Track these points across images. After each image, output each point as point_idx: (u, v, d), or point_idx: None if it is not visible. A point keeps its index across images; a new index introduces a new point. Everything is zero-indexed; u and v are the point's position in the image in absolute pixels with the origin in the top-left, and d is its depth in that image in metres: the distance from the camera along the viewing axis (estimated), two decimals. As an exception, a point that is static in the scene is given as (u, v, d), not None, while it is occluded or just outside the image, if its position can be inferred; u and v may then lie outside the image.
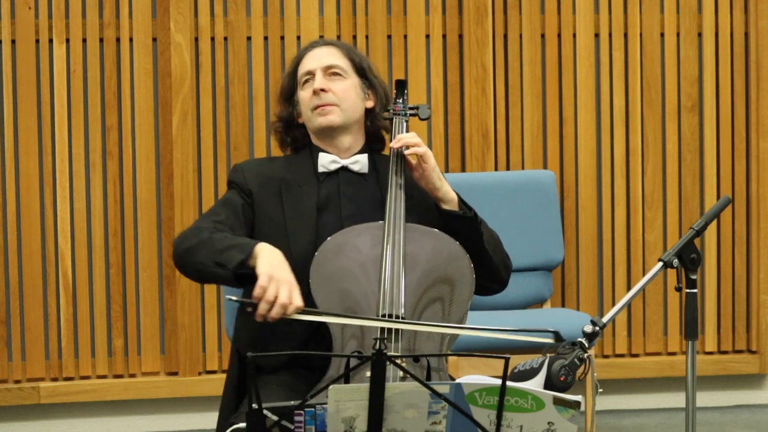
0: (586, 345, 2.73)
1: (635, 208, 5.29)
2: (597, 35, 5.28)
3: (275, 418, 2.47)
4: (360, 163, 3.19)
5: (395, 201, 3.10)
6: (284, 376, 3.07)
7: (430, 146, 5.00)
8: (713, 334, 5.36)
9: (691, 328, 2.93)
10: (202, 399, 5.12)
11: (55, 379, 5.07)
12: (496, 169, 5.21)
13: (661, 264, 2.92)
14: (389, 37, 5.19)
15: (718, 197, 5.28)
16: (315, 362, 2.97)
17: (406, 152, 3.14)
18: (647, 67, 5.29)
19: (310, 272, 2.98)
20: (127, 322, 5.09)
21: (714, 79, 5.33)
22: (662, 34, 5.31)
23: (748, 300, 5.36)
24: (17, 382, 5.06)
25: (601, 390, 2.99)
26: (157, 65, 5.08)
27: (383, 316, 2.92)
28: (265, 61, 5.13)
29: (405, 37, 5.19)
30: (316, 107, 3.17)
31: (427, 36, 5.20)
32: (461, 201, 3.17)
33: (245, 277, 2.91)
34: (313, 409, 2.50)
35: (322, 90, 3.16)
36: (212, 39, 5.11)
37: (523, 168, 5.23)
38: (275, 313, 2.83)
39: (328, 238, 3.04)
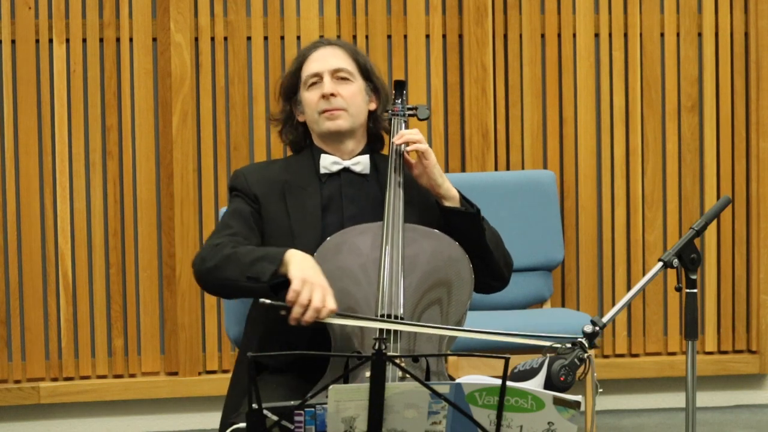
0: (586, 345, 2.73)
1: (635, 208, 5.29)
2: (597, 35, 5.28)
3: (275, 418, 2.47)
4: (362, 164, 3.19)
5: (394, 200, 3.10)
6: (284, 376, 3.07)
7: (430, 146, 4.99)
8: (713, 334, 5.36)
9: (691, 328, 2.93)
10: (202, 399, 5.12)
11: (55, 379, 5.07)
12: (496, 169, 5.21)
13: (661, 264, 2.92)
14: (389, 37, 5.19)
15: (718, 197, 5.28)
16: (318, 362, 2.97)
17: (408, 149, 3.15)
18: (647, 67, 5.29)
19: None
20: (127, 322, 5.09)
21: (714, 79, 5.33)
22: (662, 34, 5.31)
23: (748, 300, 5.36)
24: (17, 382, 5.06)
25: (601, 390, 2.99)
26: (157, 65, 5.08)
27: (382, 316, 2.92)
28: (265, 61, 5.13)
29: (405, 37, 5.20)
30: (325, 111, 3.16)
31: (427, 36, 5.20)
32: (463, 198, 3.17)
33: (280, 286, 2.90)
34: (313, 409, 2.50)
35: (332, 94, 3.15)
36: (212, 39, 5.11)
37: (523, 168, 5.23)
38: (309, 316, 2.83)
39: (327, 238, 3.05)
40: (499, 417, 2.47)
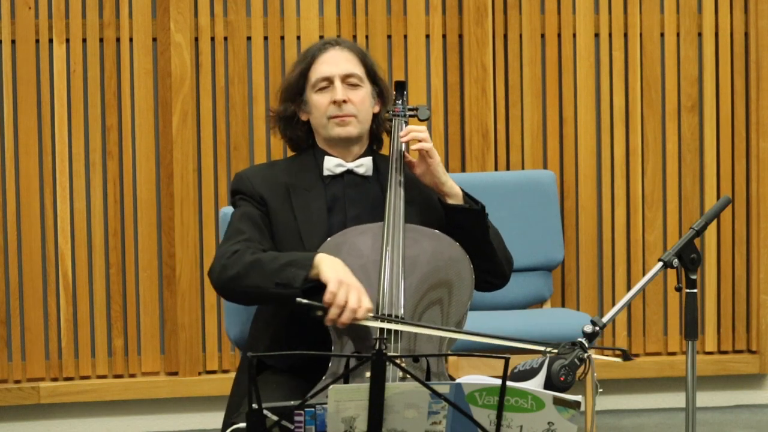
0: (586, 345, 2.73)
1: (635, 208, 5.29)
2: (597, 35, 5.28)
3: (275, 418, 2.47)
4: (365, 166, 3.19)
5: (395, 200, 3.10)
6: (284, 376, 3.07)
7: (430, 146, 4.99)
8: (713, 334, 5.36)
9: (691, 328, 2.93)
10: (202, 399, 5.12)
11: (55, 379, 5.07)
12: (496, 169, 5.21)
13: (661, 264, 2.92)
14: (389, 37, 5.19)
15: (718, 197, 5.28)
16: (319, 363, 2.96)
17: (414, 147, 3.14)
18: (647, 67, 5.29)
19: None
20: (127, 322, 5.09)
21: (714, 79, 5.32)
22: (662, 34, 5.31)
23: (748, 300, 5.36)
24: (17, 382, 5.05)
25: (601, 390, 2.99)
26: (157, 65, 5.08)
27: (382, 316, 2.92)
28: (265, 61, 5.13)
29: (405, 37, 5.19)
30: (335, 117, 3.15)
31: (427, 36, 5.20)
32: (466, 195, 3.17)
33: (310, 291, 2.90)
34: (313, 409, 2.50)
35: (344, 101, 3.14)
36: (212, 39, 5.11)
37: (523, 168, 5.23)
38: (346, 317, 2.84)
39: (328, 239, 3.05)
40: (499, 417, 2.47)
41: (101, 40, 5.06)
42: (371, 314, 2.88)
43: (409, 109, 3.29)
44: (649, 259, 5.28)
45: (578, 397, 2.50)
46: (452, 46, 5.22)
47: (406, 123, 3.26)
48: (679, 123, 5.31)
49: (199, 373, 5.13)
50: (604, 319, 2.79)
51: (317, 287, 2.90)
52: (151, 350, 5.10)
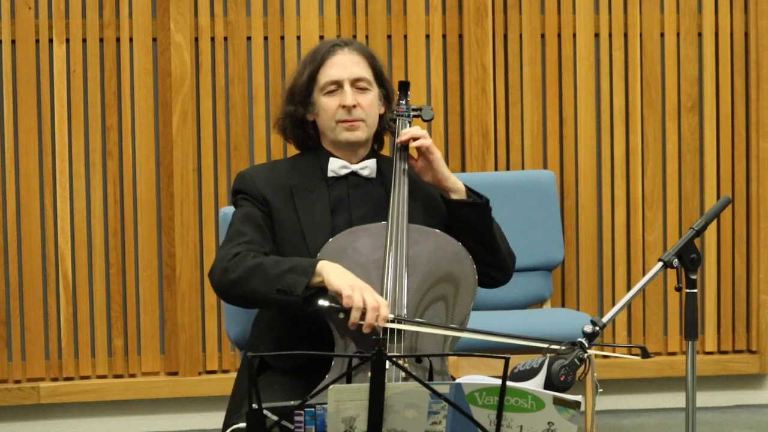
0: (586, 345, 2.73)
1: (635, 208, 5.29)
2: (597, 35, 5.28)
3: (275, 418, 2.47)
4: (369, 168, 3.19)
5: (398, 201, 3.10)
6: (285, 376, 3.07)
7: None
8: (713, 334, 5.36)
9: (691, 328, 2.93)
10: (202, 399, 5.12)
11: (55, 379, 5.07)
12: (496, 169, 5.22)
13: (661, 264, 2.92)
14: (389, 37, 5.19)
15: (718, 197, 5.28)
16: (320, 363, 2.97)
17: (413, 144, 3.15)
18: (647, 67, 5.29)
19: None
20: (127, 322, 5.09)
21: (714, 79, 5.32)
22: (662, 34, 5.31)
23: (748, 300, 5.36)
24: (17, 382, 5.05)
25: (601, 390, 2.99)
26: (157, 65, 5.08)
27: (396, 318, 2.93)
28: (265, 61, 5.13)
29: (405, 37, 5.19)
30: (344, 121, 3.15)
31: (427, 36, 5.20)
32: (469, 189, 3.18)
33: (311, 298, 2.90)
34: (313, 409, 2.50)
35: (353, 106, 3.14)
36: (212, 39, 5.11)
37: (523, 168, 5.23)
38: (371, 317, 2.84)
39: (330, 240, 3.05)
40: (499, 417, 2.47)
41: (101, 40, 5.06)
42: (392, 314, 2.89)
43: (413, 110, 3.29)
44: (649, 259, 5.28)
45: (578, 397, 2.50)
46: (452, 46, 5.22)
47: (410, 123, 3.26)
48: (679, 123, 5.31)
49: (199, 373, 5.13)
50: (604, 319, 2.79)
51: (318, 294, 2.90)
52: (151, 350, 5.10)
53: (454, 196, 3.16)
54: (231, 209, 3.27)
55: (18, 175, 5.03)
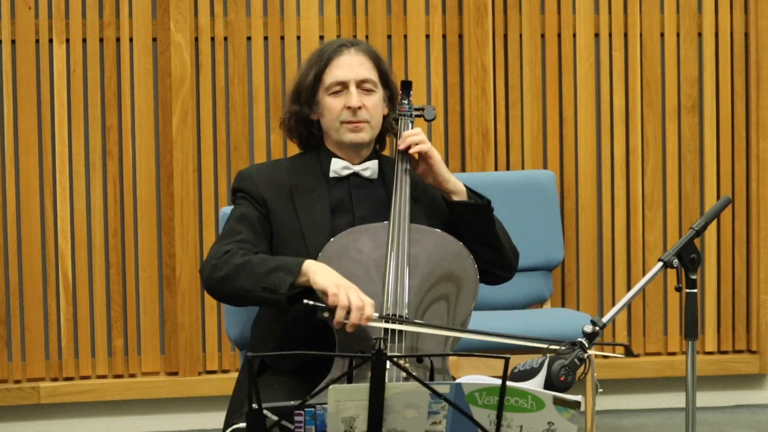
0: (586, 345, 2.73)
1: (635, 208, 5.29)
2: (597, 35, 5.28)
3: (275, 418, 2.47)
4: (371, 169, 3.19)
5: (400, 201, 3.10)
6: (285, 376, 3.07)
7: (430, 146, 4.99)
8: (713, 334, 5.36)
9: (691, 328, 2.93)
10: (202, 399, 5.12)
11: (55, 379, 5.07)
12: (496, 169, 5.22)
13: (661, 264, 2.92)
14: (389, 37, 5.19)
15: (718, 197, 5.28)
16: (321, 363, 2.97)
17: (412, 150, 3.15)
18: (647, 67, 5.29)
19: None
20: (127, 322, 5.09)
21: (714, 79, 5.32)
22: (662, 34, 5.31)
23: (748, 300, 5.36)
24: (17, 382, 5.05)
25: (601, 390, 2.99)
26: (157, 65, 5.08)
27: (387, 316, 2.93)
28: (265, 61, 5.13)
29: (405, 37, 5.19)
30: (349, 122, 3.14)
31: (427, 36, 5.20)
32: (470, 190, 3.18)
33: (296, 297, 2.90)
34: (313, 409, 2.50)
35: (358, 107, 3.14)
36: (212, 39, 5.11)
37: (523, 168, 5.23)
38: (355, 317, 2.84)
39: (331, 239, 3.05)
40: (499, 417, 2.47)
41: (101, 40, 5.06)
42: (377, 312, 2.88)
43: (416, 109, 3.29)
44: (649, 259, 5.28)
45: (578, 397, 2.50)
46: (452, 46, 5.22)
47: (412, 123, 3.26)
48: (679, 123, 5.31)
49: (199, 373, 5.13)
50: (604, 319, 2.79)
51: (303, 293, 2.90)
52: (151, 350, 5.10)
53: (455, 198, 3.16)
54: (231, 209, 3.27)
55: (18, 175, 5.03)
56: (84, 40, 5.05)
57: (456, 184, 3.17)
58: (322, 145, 3.23)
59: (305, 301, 2.86)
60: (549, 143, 5.26)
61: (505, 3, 5.22)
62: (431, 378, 2.92)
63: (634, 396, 5.34)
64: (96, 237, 5.06)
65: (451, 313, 3.01)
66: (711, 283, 5.35)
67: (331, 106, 3.15)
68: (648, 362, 5.30)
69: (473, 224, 3.15)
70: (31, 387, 5.03)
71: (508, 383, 2.46)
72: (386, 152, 3.36)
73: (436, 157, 3.14)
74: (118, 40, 5.07)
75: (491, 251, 3.17)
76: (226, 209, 3.47)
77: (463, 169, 5.18)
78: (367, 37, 5.16)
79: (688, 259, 2.93)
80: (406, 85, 3.30)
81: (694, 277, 2.94)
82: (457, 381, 2.49)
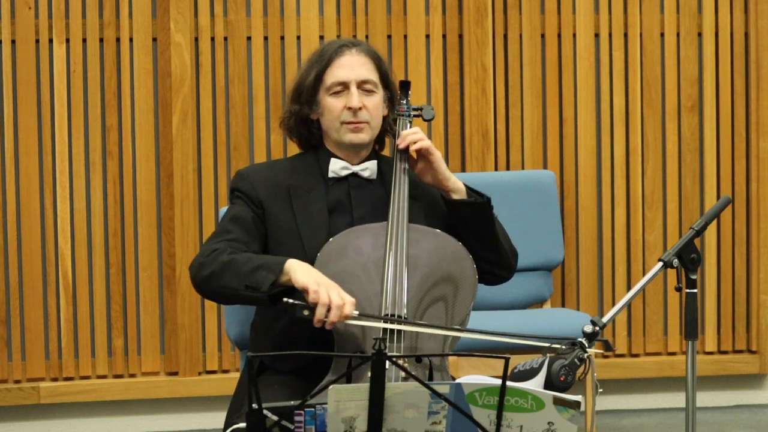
0: (586, 345, 2.73)
1: (635, 208, 5.29)
2: (597, 35, 5.28)
3: (275, 418, 2.47)
4: (370, 169, 3.19)
5: (399, 201, 3.10)
6: (286, 376, 3.07)
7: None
8: (713, 334, 5.36)
9: (691, 328, 2.93)
10: (202, 399, 5.12)
11: (55, 379, 5.07)
12: (496, 169, 5.22)
13: (661, 264, 2.92)
14: (389, 37, 5.19)
15: (718, 197, 5.28)
16: (320, 363, 2.97)
17: (413, 148, 3.15)
18: (647, 67, 5.29)
19: (313, 272, 2.98)
20: (127, 322, 5.09)
21: (714, 79, 5.32)
22: (662, 34, 5.31)
23: (748, 300, 5.36)
24: (17, 382, 5.05)
25: (601, 390, 2.99)
26: (157, 65, 5.08)
27: (386, 316, 2.93)
28: (265, 61, 5.13)
29: (405, 37, 5.20)
30: (349, 123, 3.15)
31: (427, 36, 5.20)
32: (470, 189, 3.18)
33: (277, 296, 2.90)
34: (313, 409, 2.50)
35: (359, 108, 3.14)
36: (212, 39, 5.11)
37: (523, 168, 5.23)
38: (334, 315, 2.84)
39: (330, 239, 3.05)
40: (499, 417, 2.47)
41: (101, 40, 5.06)
42: (357, 311, 2.88)
43: (414, 109, 3.29)
44: (649, 259, 5.28)
45: (578, 397, 2.50)
46: (452, 46, 5.22)
47: (411, 123, 3.26)
48: (679, 123, 5.31)
49: (199, 373, 5.13)
50: (604, 319, 2.79)
51: (285, 293, 2.90)
52: (151, 350, 5.10)
53: (455, 196, 3.16)
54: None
55: (18, 175, 5.03)
56: (84, 40, 5.05)
57: (456, 182, 3.17)
58: (321, 145, 3.23)
59: (285, 299, 2.87)
60: (549, 143, 5.26)
61: (505, 3, 5.22)
62: (430, 377, 2.92)
63: (634, 396, 5.34)
64: (96, 237, 5.06)
65: (449, 314, 3.01)
66: (711, 283, 5.35)
67: (332, 106, 3.16)
68: (648, 362, 5.30)
69: (473, 223, 3.15)
70: (31, 387, 5.03)
71: (508, 383, 2.46)
72: (386, 152, 3.36)
73: (437, 154, 3.15)
74: (118, 40, 5.07)
75: (491, 250, 3.17)
76: (226, 209, 3.47)
77: (463, 169, 5.18)
78: (367, 37, 5.16)
79: (688, 259, 2.93)
80: (405, 86, 3.30)
81: (694, 277, 2.94)
82: (457, 381, 2.49)
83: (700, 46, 5.32)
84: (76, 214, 5.05)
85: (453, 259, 3.07)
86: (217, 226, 3.18)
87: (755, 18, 5.29)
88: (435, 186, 3.19)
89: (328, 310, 2.85)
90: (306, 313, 2.86)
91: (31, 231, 5.03)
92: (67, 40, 5.04)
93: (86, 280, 5.05)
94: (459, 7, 5.20)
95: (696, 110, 5.31)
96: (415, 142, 3.14)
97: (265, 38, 5.14)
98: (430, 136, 5.14)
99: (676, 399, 5.33)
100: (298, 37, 5.13)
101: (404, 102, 3.28)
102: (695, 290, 2.94)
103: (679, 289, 2.97)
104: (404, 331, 2.91)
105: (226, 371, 5.14)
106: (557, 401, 2.49)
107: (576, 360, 2.69)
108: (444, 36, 5.21)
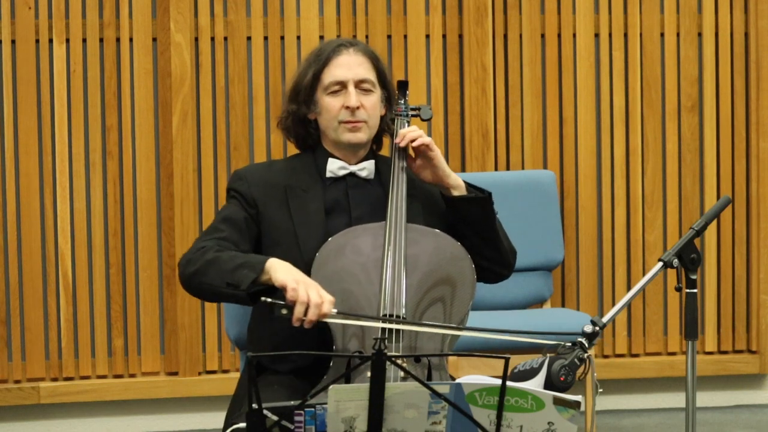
0: (586, 345, 2.73)
1: (635, 208, 5.29)
2: (597, 35, 5.28)
3: (275, 418, 2.47)
4: (367, 169, 3.19)
5: (397, 200, 3.10)
6: (286, 376, 3.07)
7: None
8: (713, 334, 5.36)
9: (691, 328, 2.93)
10: (202, 399, 5.12)
11: (55, 379, 5.07)
12: (496, 169, 5.22)
13: (661, 264, 2.92)
14: (389, 37, 5.19)
15: (718, 197, 5.28)
16: (320, 363, 2.97)
17: (414, 144, 3.14)
18: (647, 67, 5.29)
19: (312, 273, 2.98)
20: (127, 322, 5.09)
21: (714, 79, 5.33)
22: (662, 34, 5.31)
23: (748, 300, 5.36)
24: (17, 382, 5.06)
25: (601, 390, 2.99)
26: (157, 65, 5.08)
27: (384, 316, 2.92)
28: (265, 61, 5.13)
29: (405, 37, 5.20)
30: (347, 122, 3.15)
31: (427, 36, 5.21)
32: (469, 185, 3.18)
33: (258, 294, 2.91)
34: (313, 409, 2.50)
35: (357, 107, 3.14)
36: (212, 39, 5.11)
37: (523, 168, 5.23)
38: (312, 314, 2.84)
39: (329, 239, 3.05)
40: (499, 417, 2.47)
41: (101, 40, 5.06)
42: (335, 309, 2.87)
43: (412, 109, 3.29)
44: (649, 259, 5.28)
45: (578, 397, 2.50)
46: (452, 46, 5.22)
47: (408, 123, 3.26)
48: (679, 123, 5.31)
49: (199, 373, 5.13)
50: (604, 319, 2.79)
51: (265, 292, 2.90)
52: (151, 350, 5.10)
53: (455, 193, 3.16)
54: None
55: (18, 175, 5.03)
56: (84, 40, 5.05)
57: (456, 179, 3.17)
58: (318, 145, 3.23)
59: (263, 298, 2.86)
60: (549, 143, 5.26)
61: (505, 3, 5.22)
62: (429, 376, 2.92)
63: (634, 396, 5.34)
64: (96, 237, 5.06)
65: (447, 313, 3.01)
66: (711, 283, 5.35)
67: (330, 105, 3.16)
68: (648, 362, 5.30)
69: (474, 219, 3.14)
70: (31, 387, 5.03)
71: (508, 383, 2.46)
72: (384, 152, 3.36)
73: (437, 150, 3.15)
74: (118, 40, 5.07)
75: (491, 248, 3.16)
76: (221, 208, 3.48)
77: (463, 169, 5.18)
78: (367, 37, 5.16)
79: (688, 259, 2.93)
80: (402, 85, 3.30)
81: (694, 277, 2.94)
82: (457, 381, 2.49)
83: (700, 46, 5.32)
84: (76, 214, 5.05)
85: (452, 259, 3.07)
86: (210, 224, 3.19)
87: (755, 18, 5.29)
88: (435, 183, 3.18)
89: (307, 308, 2.85)
90: (284, 312, 2.86)
91: (31, 231, 5.03)
92: (67, 40, 5.04)
93: (86, 280, 5.05)
94: (459, 7, 5.20)
95: (696, 110, 5.31)
96: (414, 140, 3.14)
97: (265, 38, 5.14)
98: (429, 136, 5.13)
99: (676, 399, 5.33)
100: (298, 37, 5.13)
101: (402, 102, 3.28)
102: (695, 290, 2.94)
103: (679, 289, 2.97)
104: (403, 330, 2.91)
105: (226, 371, 5.14)
106: (557, 401, 2.49)
107: (576, 360, 2.69)
108: (444, 36, 5.21)
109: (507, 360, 2.44)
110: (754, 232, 5.34)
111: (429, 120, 3.32)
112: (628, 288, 5.24)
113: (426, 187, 3.21)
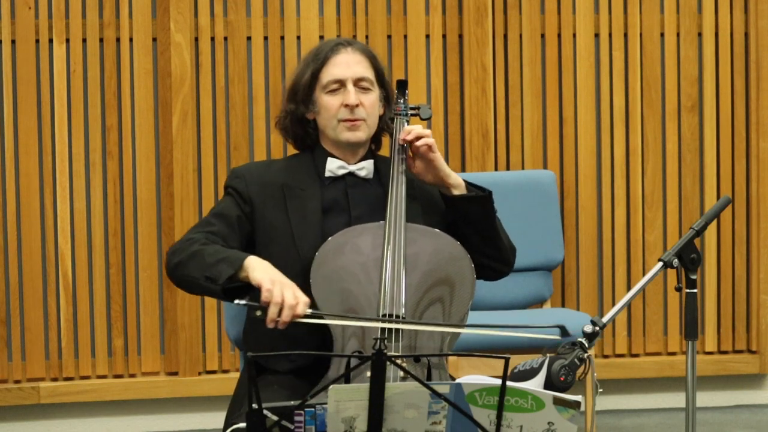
0: (586, 345, 2.73)
1: (635, 208, 5.29)
2: (597, 35, 5.28)
3: (275, 418, 2.47)
4: (366, 169, 3.19)
5: (396, 200, 3.10)
6: (285, 376, 3.07)
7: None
8: (713, 334, 5.36)
9: (691, 328, 2.93)
10: (202, 399, 5.12)
11: (55, 379, 5.07)
12: (496, 169, 5.22)
13: (661, 264, 2.92)
14: (389, 37, 5.19)
15: (718, 197, 5.28)
16: (323, 365, 2.97)
17: (419, 143, 3.14)
18: (647, 67, 5.29)
19: (311, 272, 2.98)
20: (127, 322, 5.09)
21: (714, 79, 5.33)
22: (662, 34, 5.31)
23: (748, 300, 5.36)
24: (17, 382, 5.06)
25: (601, 390, 2.99)
26: (157, 65, 5.08)
27: (384, 315, 2.92)
28: (265, 61, 5.13)
29: (405, 37, 5.20)
30: (346, 121, 3.15)
31: (427, 36, 5.21)
32: (469, 184, 3.18)
33: (234, 291, 2.91)
34: (313, 409, 2.50)
35: (356, 105, 3.14)
36: (212, 39, 5.11)
37: (523, 168, 5.23)
38: (285, 315, 2.84)
39: (329, 239, 3.05)
40: (499, 417, 2.47)
41: (101, 40, 5.06)
42: (310, 309, 2.87)
43: (411, 108, 3.29)
44: (649, 259, 5.28)
45: (578, 397, 2.50)
46: (452, 46, 5.22)
47: (408, 122, 3.26)
48: (679, 123, 5.31)
49: (199, 373, 5.13)
50: (604, 319, 2.79)
51: (242, 289, 2.90)
52: (151, 350, 5.10)
53: (456, 192, 3.16)
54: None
55: (18, 175, 5.03)
56: (84, 40, 5.05)
57: (456, 178, 3.18)
58: (317, 145, 3.23)
59: (237, 301, 2.87)
60: (549, 143, 5.26)
61: (505, 3, 5.22)
62: (429, 376, 2.92)
63: (634, 396, 5.34)
64: (96, 237, 5.06)
65: (447, 313, 3.01)
66: (711, 283, 5.35)
67: (328, 104, 3.16)
68: (648, 362, 5.30)
69: (474, 218, 3.15)
70: (31, 387, 5.03)
71: (508, 383, 2.46)
72: (383, 152, 3.36)
73: (438, 152, 3.15)
74: (118, 40, 5.07)
75: (491, 246, 3.17)
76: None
77: (463, 169, 5.18)
78: (367, 37, 5.16)
79: (688, 259, 2.93)
80: (402, 85, 3.31)
81: (694, 277, 2.94)
82: (457, 381, 2.49)
83: (700, 46, 5.32)
84: (76, 214, 5.05)
85: (451, 259, 3.07)
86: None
87: (755, 18, 5.29)
88: (436, 184, 3.18)
89: (281, 309, 2.85)
90: (258, 313, 2.86)
91: (31, 231, 5.03)
92: (67, 40, 5.04)
93: (86, 280, 5.05)
94: (459, 7, 5.20)
95: (696, 110, 5.31)
96: (420, 137, 3.14)
97: (265, 38, 5.14)
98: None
99: (676, 399, 5.33)
100: (298, 37, 5.13)
101: (401, 101, 3.28)
102: (695, 290, 2.94)
103: (679, 289, 2.97)
104: (403, 330, 2.91)
105: (226, 371, 5.14)
106: (557, 401, 2.49)
107: (576, 360, 2.69)
108: (444, 36, 5.21)
109: (507, 360, 2.44)
110: (754, 232, 5.34)
111: (428, 119, 3.32)
112: (628, 288, 5.24)
113: (425, 187, 3.22)
